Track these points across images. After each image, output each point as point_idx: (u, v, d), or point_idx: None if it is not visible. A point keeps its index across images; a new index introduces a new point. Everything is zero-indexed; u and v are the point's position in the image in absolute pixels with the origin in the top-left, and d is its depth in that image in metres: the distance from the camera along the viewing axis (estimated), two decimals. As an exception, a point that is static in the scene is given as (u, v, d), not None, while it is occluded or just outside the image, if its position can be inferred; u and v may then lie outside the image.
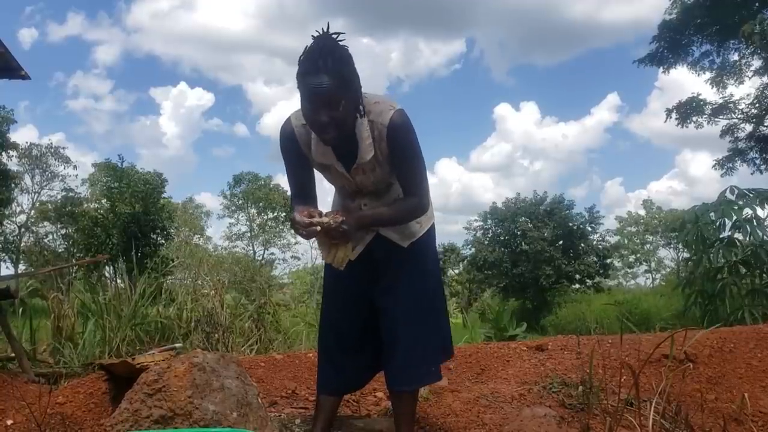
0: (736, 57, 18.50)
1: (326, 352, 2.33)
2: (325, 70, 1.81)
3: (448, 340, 2.40)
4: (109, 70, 57.84)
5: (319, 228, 1.90)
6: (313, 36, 1.86)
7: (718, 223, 6.47)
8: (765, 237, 6.20)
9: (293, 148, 2.06)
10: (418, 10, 63.28)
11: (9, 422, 2.39)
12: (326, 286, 2.36)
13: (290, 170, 2.11)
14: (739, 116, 19.08)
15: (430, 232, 2.26)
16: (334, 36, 1.86)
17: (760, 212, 6.27)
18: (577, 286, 28.14)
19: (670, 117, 19.06)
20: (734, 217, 6.29)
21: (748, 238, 6.25)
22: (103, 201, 27.74)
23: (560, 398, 2.74)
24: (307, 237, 1.93)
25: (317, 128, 1.89)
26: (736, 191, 6.57)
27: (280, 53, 62.29)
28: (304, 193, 2.11)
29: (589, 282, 28.19)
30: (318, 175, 2.17)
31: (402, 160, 2.03)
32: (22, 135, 56.63)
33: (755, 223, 6.21)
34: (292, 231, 2.02)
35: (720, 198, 6.59)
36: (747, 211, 6.32)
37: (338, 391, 2.35)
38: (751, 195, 6.41)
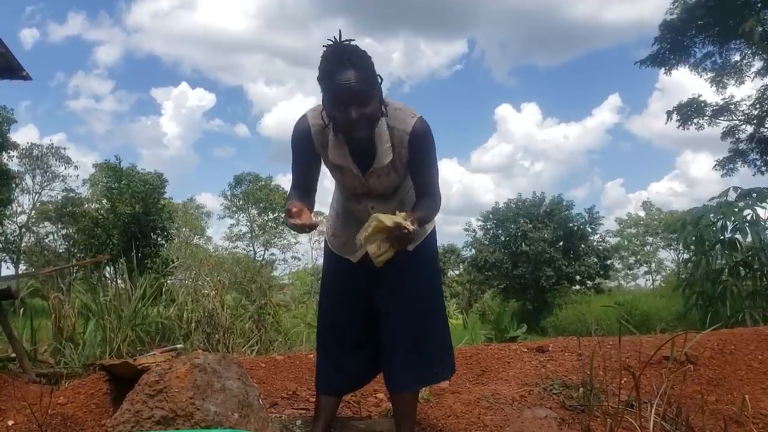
0: (737, 58, 18.52)
1: (326, 352, 2.33)
2: (353, 66, 1.82)
3: (451, 351, 2.35)
4: (110, 70, 57.90)
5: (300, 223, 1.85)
6: (328, 41, 1.87)
7: (719, 225, 6.46)
8: (765, 239, 6.18)
9: (306, 147, 2.05)
10: (420, 11, 63.33)
11: (10, 422, 2.40)
12: (325, 285, 2.36)
13: (297, 167, 2.10)
14: (740, 118, 19.09)
15: (432, 235, 2.28)
16: (347, 42, 1.87)
17: (761, 213, 6.26)
18: (578, 287, 28.12)
19: (671, 118, 19.09)
20: (735, 219, 6.28)
21: (751, 239, 6.23)
22: (104, 201, 27.72)
23: (561, 400, 2.74)
24: (299, 230, 1.90)
25: (348, 126, 1.87)
26: (738, 191, 6.57)
27: (280, 53, 62.50)
28: (305, 188, 2.11)
29: (589, 283, 28.17)
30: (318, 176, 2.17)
31: (422, 166, 2.05)
32: (22, 135, 56.63)
33: (757, 225, 6.19)
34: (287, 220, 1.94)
35: (721, 197, 6.58)
36: (747, 212, 6.31)
37: (338, 391, 2.35)
38: (753, 195, 6.40)
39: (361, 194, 2.13)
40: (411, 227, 1.81)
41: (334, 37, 1.88)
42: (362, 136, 1.91)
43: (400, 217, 1.82)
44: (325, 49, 1.88)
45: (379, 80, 1.92)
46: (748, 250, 6.38)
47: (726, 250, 6.35)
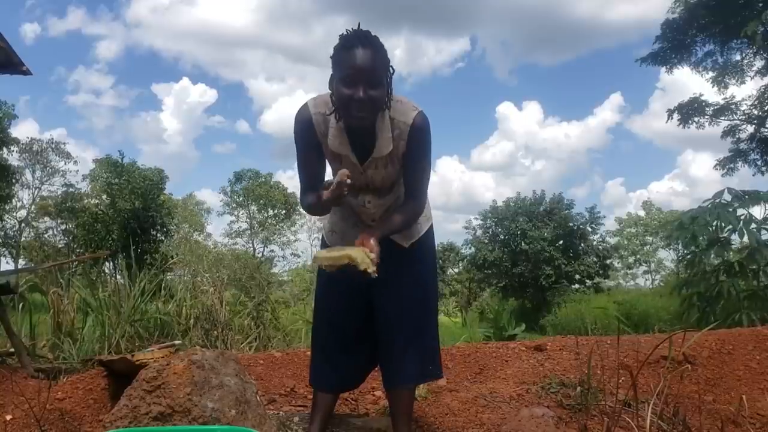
0: (738, 57, 18.51)
1: (323, 352, 2.32)
2: (371, 48, 1.85)
3: (438, 355, 2.33)
4: (110, 65, 57.96)
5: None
6: (346, 30, 1.90)
7: (714, 225, 6.45)
8: (760, 240, 6.19)
9: (308, 135, 2.04)
10: (422, 8, 63.27)
11: (8, 417, 2.40)
12: (321, 284, 2.34)
13: (303, 159, 2.08)
14: (740, 117, 19.08)
15: (429, 233, 2.27)
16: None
17: (756, 213, 6.26)
18: (577, 286, 28.13)
19: (672, 117, 19.08)
20: (730, 220, 6.27)
21: (747, 239, 6.23)
22: (104, 197, 27.70)
23: (558, 398, 2.74)
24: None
25: (352, 104, 1.86)
26: (733, 192, 6.57)
27: (281, 49, 62.37)
28: (315, 184, 2.09)
29: (588, 282, 28.16)
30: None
31: (416, 161, 2.04)
32: (22, 130, 56.24)
33: (752, 226, 6.18)
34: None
35: (715, 198, 6.58)
36: (741, 212, 6.31)
37: (336, 388, 2.35)
38: (746, 197, 6.40)
39: (358, 187, 2.12)
40: (372, 272, 1.84)
41: (353, 28, 1.90)
42: (363, 119, 1.90)
43: (368, 259, 1.83)
44: (342, 34, 1.90)
45: (391, 71, 1.93)
46: (744, 251, 6.39)
47: (719, 251, 6.35)
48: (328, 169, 2.15)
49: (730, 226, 6.23)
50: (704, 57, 18.56)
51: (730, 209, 6.32)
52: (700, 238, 6.44)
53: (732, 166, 19.38)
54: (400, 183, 2.14)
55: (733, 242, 6.43)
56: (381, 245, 2.10)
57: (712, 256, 6.38)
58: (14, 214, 31.25)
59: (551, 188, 52.15)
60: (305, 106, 2.04)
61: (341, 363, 2.29)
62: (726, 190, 6.59)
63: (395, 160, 2.04)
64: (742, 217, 6.22)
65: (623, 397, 2.52)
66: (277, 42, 61.12)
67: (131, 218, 24.72)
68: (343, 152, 2.03)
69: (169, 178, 28.63)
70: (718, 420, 2.54)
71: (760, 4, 15.58)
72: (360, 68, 1.83)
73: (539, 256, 27.15)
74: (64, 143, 31.60)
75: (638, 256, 39.81)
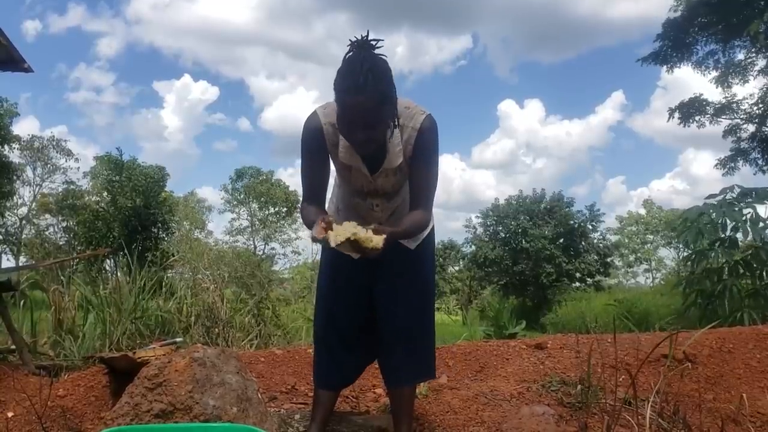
0: (741, 56, 18.45)
1: (327, 348, 2.31)
2: (365, 89, 1.76)
3: (434, 355, 2.36)
4: (111, 62, 57.67)
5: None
6: (351, 40, 1.82)
7: (719, 222, 6.44)
8: (765, 238, 6.18)
9: (317, 145, 2.02)
10: (423, 6, 63.15)
11: (9, 414, 2.40)
12: (324, 281, 2.34)
13: (308, 168, 2.07)
14: (742, 116, 19.04)
15: (431, 235, 2.29)
16: (373, 42, 1.81)
17: (761, 212, 6.25)
18: (578, 284, 28.14)
19: (673, 116, 19.04)
20: (735, 218, 6.26)
21: (752, 237, 6.23)
22: (104, 194, 27.68)
23: (559, 397, 2.74)
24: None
25: (353, 144, 1.92)
26: (738, 190, 6.56)
27: (282, 47, 62.22)
28: (317, 195, 2.08)
29: (589, 280, 28.19)
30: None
31: (422, 164, 2.02)
32: (23, 127, 56.41)
33: (758, 224, 6.18)
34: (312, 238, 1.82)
35: (722, 193, 6.57)
36: (748, 211, 6.30)
37: (338, 386, 2.36)
38: (753, 195, 6.39)
39: (367, 192, 2.12)
40: (380, 247, 1.75)
41: (361, 37, 1.81)
42: (367, 152, 1.93)
43: (377, 238, 1.74)
44: (347, 51, 1.82)
45: (395, 92, 1.88)
46: (748, 249, 6.38)
47: (726, 248, 6.34)
48: (331, 170, 2.15)
49: (735, 222, 6.22)
50: (706, 56, 18.52)
51: (736, 208, 6.31)
52: (704, 235, 6.43)
53: (733, 165, 19.33)
54: (406, 185, 2.13)
55: (740, 240, 6.42)
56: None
57: (719, 255, 6.37)
58: (15, 211, 31.28)
59: (552, 186, 52.25)
60: (315, 115, 2.01)
61: (344, 361, 2.30)
62: (734, 186, 6.59)
63: (404, 166, 2.04)
64: (748, 216, 6.21)
65: (623, 395, 2.53)
66: (278, 39, 60.96)
67: (132, 216, 24.70)
68: (353, 164, 2.03)
69: (170, 175, 28.64)
70: (719, 418, 2.54)
71: (762, 3, 15.54)
72: (354, 115, 1.80)
73: (540, 254, 27.18)
74: (65, 140, 31.69)
75: (639, 255, 39.83)
